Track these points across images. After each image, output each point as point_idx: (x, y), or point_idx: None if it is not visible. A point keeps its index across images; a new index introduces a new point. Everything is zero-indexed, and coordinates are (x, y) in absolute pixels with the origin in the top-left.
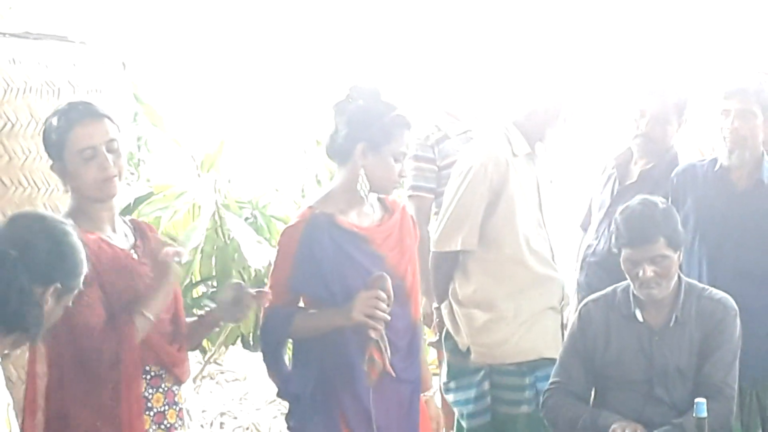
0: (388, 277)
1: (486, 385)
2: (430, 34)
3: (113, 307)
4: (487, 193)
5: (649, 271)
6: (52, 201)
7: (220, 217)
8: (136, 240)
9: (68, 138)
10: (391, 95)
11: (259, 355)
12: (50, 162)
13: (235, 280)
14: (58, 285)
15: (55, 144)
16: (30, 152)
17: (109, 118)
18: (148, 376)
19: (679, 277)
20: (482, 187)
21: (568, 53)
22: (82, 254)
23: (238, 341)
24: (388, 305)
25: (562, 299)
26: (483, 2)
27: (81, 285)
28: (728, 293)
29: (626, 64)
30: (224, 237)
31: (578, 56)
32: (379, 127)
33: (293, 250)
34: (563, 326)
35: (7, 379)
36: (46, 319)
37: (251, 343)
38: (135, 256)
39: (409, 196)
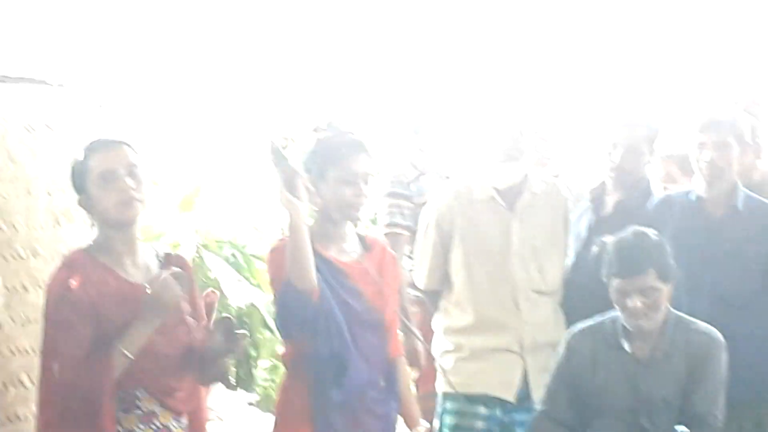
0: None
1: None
2: (406, 66)
3: (109, 342)
4: (438, 238)
5: (638, 302)
6: (31, 244)
7: (200, 257)
8: (159, 273)
9: (89, 165)
10: (354, 124)
11: (241, 395)
12: (76, 198)
13: (223, 315)
14: None
15: (78, 175)
16: (9, 195)
17: (128, 145)
18: (140, 412)
19: (667, 309)
20: (433, 233)
21: (534, 86)
22: None
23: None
24: None
25: (525, 343)
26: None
27: None
28: (708, 321)
29: (597, 97)
30: (205, 276)
31: (547, 89)
32: (322, 154)
33: (283, 272)
34: (528, 370)
35: None
36: None
37: (233, 381)
38: (150, 290)
39: (386, 234)
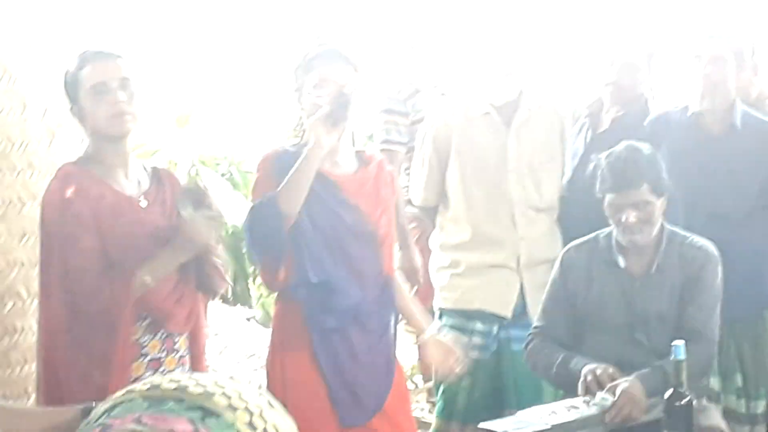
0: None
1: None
2: None
3: (112, 254)
4: (434, 155)
5: (632, 216)
6: (28, 158)
7: (197, 173)
8: (151, 186)
9: (81, 76)
10: (350, 39)
11: (240, 310)
12: (69, 107)
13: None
14: None
15: (70, 84)
16: (4, 109)
17: (122, 58)
18: (145, 323)
19: (662, 224)
20: (430, 149)
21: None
22: None
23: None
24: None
25: (521, 260)
26: None
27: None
28: (704, 237)
29: (596, 14)
30: None
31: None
32: (301, 66)
33: (270, 182)
34: (524, 286)
35: None
36: None
37: (230, 297)
38: (143, 203)
39: (382, 150)
